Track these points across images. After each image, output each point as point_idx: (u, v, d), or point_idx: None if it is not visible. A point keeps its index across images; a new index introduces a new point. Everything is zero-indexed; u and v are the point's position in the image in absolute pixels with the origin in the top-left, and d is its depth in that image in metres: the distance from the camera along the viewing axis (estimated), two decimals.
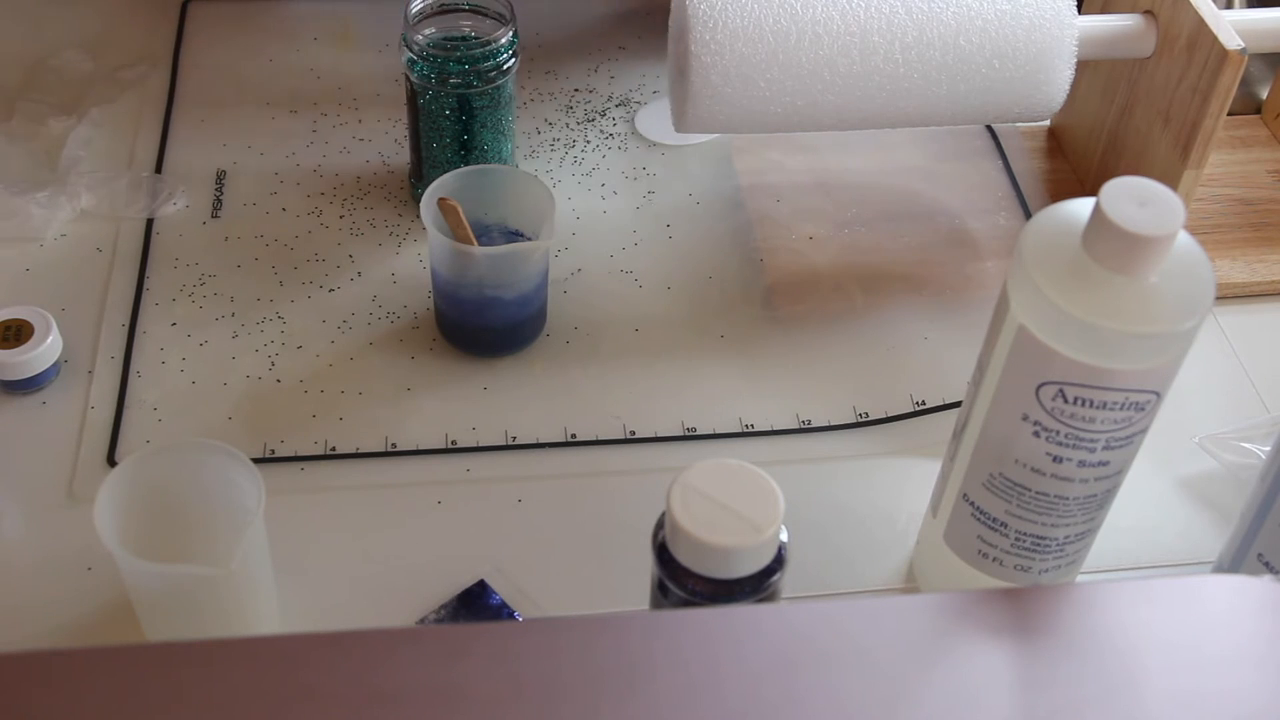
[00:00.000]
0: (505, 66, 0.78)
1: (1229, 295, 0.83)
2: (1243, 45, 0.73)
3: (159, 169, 0.87)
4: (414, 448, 0.73)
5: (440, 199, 0.72)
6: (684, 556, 0.54)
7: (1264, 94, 0.95)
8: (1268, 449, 0.71)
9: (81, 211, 0.83)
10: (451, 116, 0.79)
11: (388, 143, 0.89)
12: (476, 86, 0.78)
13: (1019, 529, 0.60)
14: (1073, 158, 0.91)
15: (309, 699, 0.41)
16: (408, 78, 0.78)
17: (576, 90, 0.94)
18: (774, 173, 0.89)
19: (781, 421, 0.75)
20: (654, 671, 0.42)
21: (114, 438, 0.72)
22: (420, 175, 0.83)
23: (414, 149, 0.83)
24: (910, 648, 0.44)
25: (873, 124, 0.77)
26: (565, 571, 0.68)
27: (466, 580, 0.67)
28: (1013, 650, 0.44)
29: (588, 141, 0.90)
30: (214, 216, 0.84)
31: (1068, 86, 0.76)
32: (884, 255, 0.84)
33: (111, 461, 0.71)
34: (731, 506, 0.53)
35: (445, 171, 0.79)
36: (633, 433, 0.74)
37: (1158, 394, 0.54)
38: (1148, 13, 0.79)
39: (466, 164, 0.80)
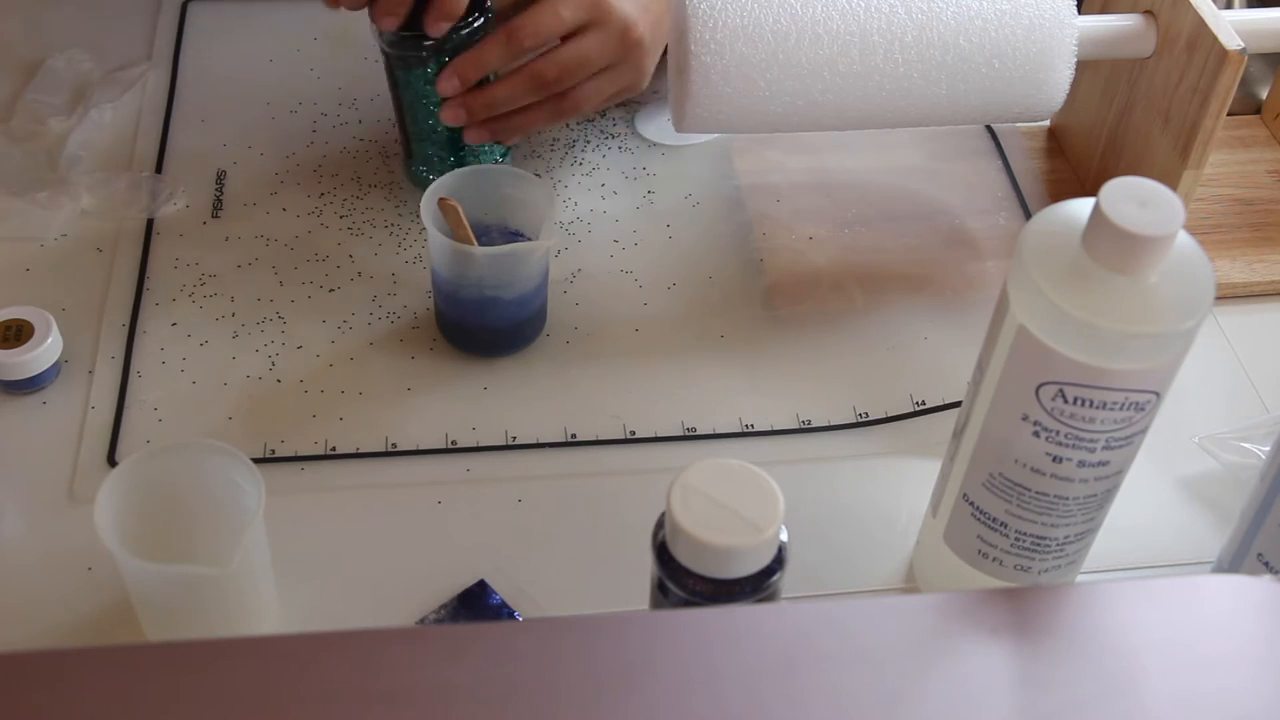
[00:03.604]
0: (476, 24, 0.77)
1: (1229, 295, 0.83)
2: (1243, 45, 0.73)
3: (159, 169, 0.87)
4: (414, 448, 0.73)
5: (440, 199, 0.72)
6: (684, 556, 0.54)
7: (1264, 94, 0.95)
8: (1268, 449, 0.70)
9: (81, 211, 0.83)
10: (430, 83, 0.78)
11: (388, 143, 0.89)
12: (450, 44, 0.77)
13: (1019, 529, 0.60)
14: (1073, 158, 0.91)
15: (309, 699, 0.41)
16: (382, 50, 0.78)
17: None
18: (774, 173, 0.89)
19: (781, 421, 0.75)
20: (654, 671, 0.42)
21: (114, 438, 0.72)
22: (409, 152, 0.83)
23: (400, 126, 0.82)
24: (910, 648, 0.44)
25: (873, 124, 0.77)
26: (565, 571, 0.68)
27: (466, 580, 0.67)
28: (1013, 650, 0.44)
29: (588, 141, 0.90)
30: (214, 216, 0.84)
31: (1068, 86, 0.76)
32: (884, 255, 0.84)
33: (112, 461, 0.71)
34: (731, 506, 0.53)
35: (432, 144, 0.79)
36: (633, 433, 0.74)
37: (1158, 394, 0.54)
38: (1148, 13, 0.79)
39: (452, 136, 0.80)
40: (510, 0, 0.79)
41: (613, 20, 0.76)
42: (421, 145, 0.82)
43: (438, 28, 0.74)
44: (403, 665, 0.42)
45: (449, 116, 0.77)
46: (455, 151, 0.82)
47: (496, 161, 0.83)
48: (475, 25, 0.77)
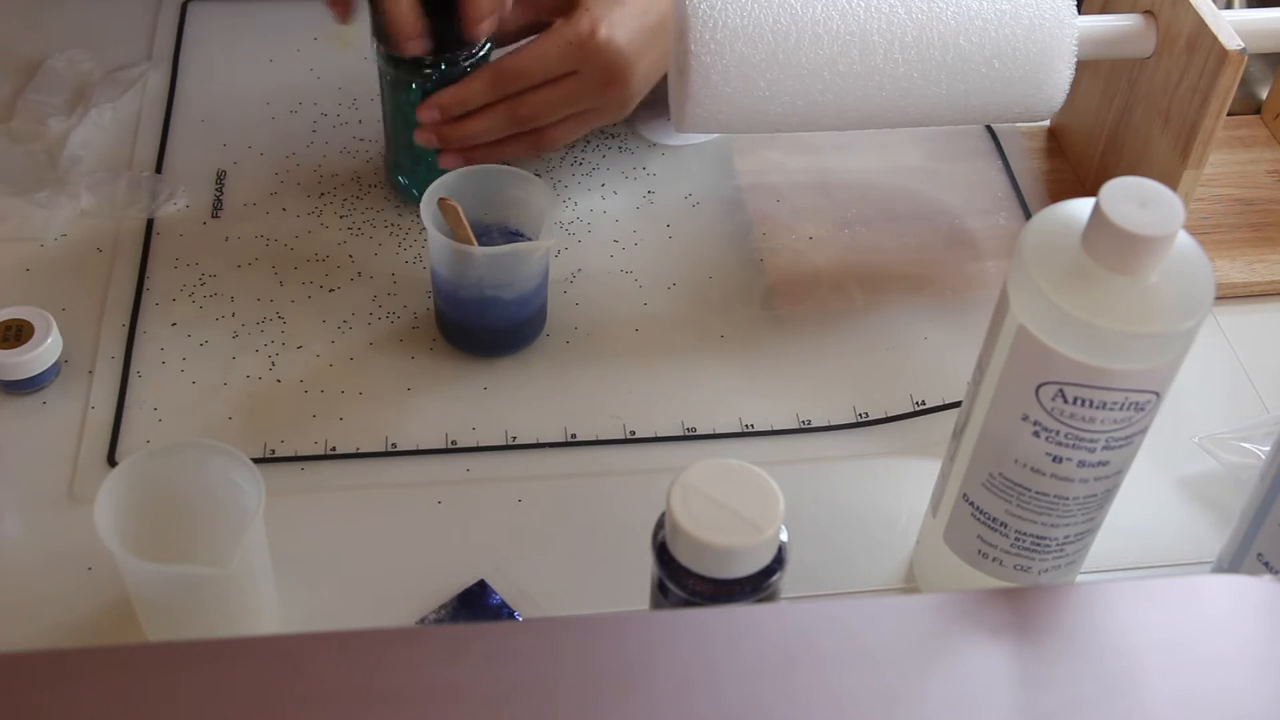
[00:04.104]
0: (478, 53, 0.77)
1: (1229, 295, 0.83)
2: (1243, 45, 0.73)
3: (159, 169, 0.87)
4: (414, 448, 0.73)
5: (440, 199, 0.72)
6: (684, 556, 0.54)
7: (1264, 94, 0.95)
8: (1268, 449, 0.70)
9: (81, 211, 0.83)
10: (415, 101, 0.78)
11: None
12: (450, 71, 0.77)
13: (1019, 529, 0.60)
14: (1073, 158, 0.91)
15: (309, 699, 0.41)
16: (379, 67, 0.78)
17: None
18: (774, 173, 0.89)
19: (781, 421, 0.75)
20: (654, 671, 0.42)
21: (114, 438, 0.72)
22: (391, 155, 0.83)
23: (385, 129, 0.83)
24: (910, 648, 0.44)
25: (873, 124, 0.77)
26: (565, 571, 0.68)
27: (466, 580, 0.67)
28: (1013, 650, 0.44)
29: (588, 141, 0.90)
30: (214, 216, 0.84)
31: (1068, 86, 0.76)
32: (884, 255, 0.84)
33: (112, 461, 0.71)
34: (731, 506, 0.53)
35: (409, 155, 0.79)
36: (633, 433, 0.74)
37: (1158, 394, 0.54)
38: (1148, 13, 0.79)
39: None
40: (515, 26, 0.79)
41: (600, 68, 0.76)
42: (401, 153, 0.82)
43: (477, 30, 0.75)
44: (403, 665, 0.42)
45: (421, 139, 0.78)
46: (432, 168, 0.81)
47: None
48: (477, 55, 0.77)
